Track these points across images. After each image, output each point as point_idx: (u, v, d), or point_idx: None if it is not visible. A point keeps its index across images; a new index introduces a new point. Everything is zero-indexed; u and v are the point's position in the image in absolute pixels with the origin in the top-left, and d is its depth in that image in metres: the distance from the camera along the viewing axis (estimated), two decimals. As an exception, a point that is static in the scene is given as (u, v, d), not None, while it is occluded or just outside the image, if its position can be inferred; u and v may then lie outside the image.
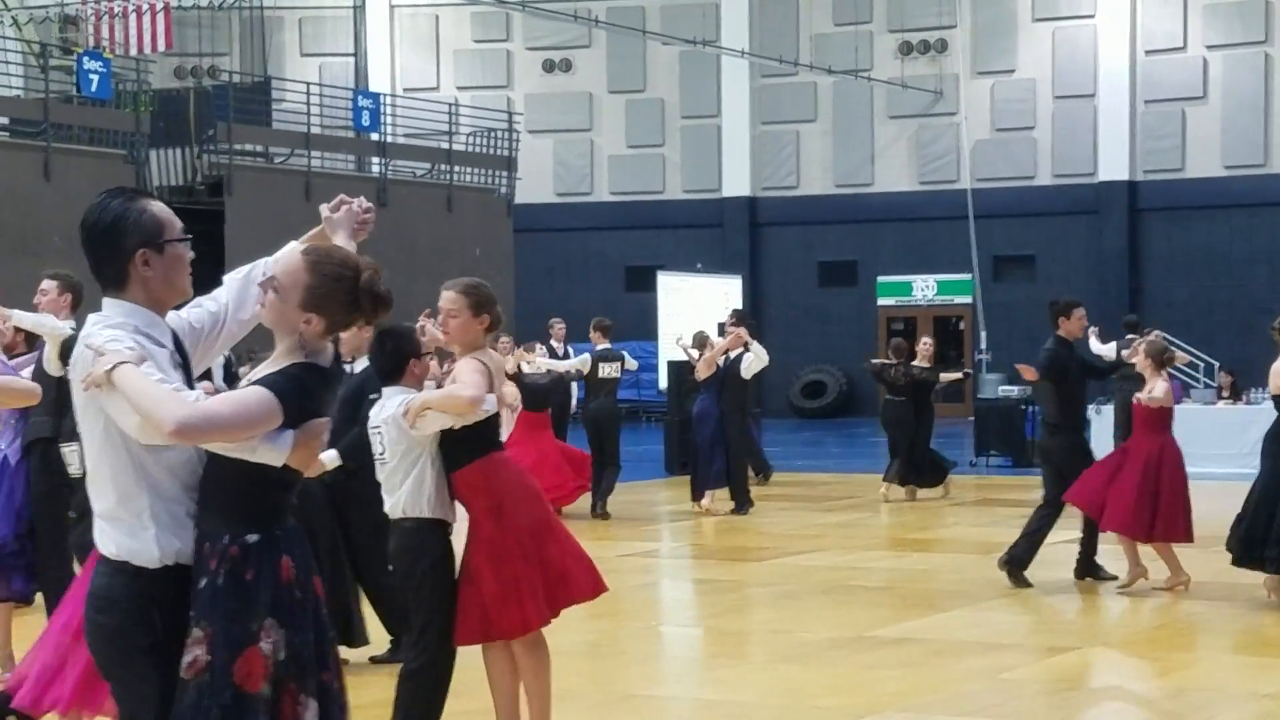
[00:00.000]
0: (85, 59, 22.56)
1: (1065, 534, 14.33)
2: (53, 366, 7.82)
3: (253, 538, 3.88)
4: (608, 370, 16.52)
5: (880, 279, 33.99)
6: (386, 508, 6.25)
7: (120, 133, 22.65)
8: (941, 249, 33.34)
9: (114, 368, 3.75)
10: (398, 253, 26.13)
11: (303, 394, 3.92)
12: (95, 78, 22.03)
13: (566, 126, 35.71)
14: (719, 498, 16.40)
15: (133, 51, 27.91)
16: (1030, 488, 19.18)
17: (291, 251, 4.13)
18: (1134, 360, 11.39)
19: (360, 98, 27.13)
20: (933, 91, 33.94)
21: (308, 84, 26.91)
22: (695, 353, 17.39)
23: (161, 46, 30.72)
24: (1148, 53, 32.94)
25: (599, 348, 16.60)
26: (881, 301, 34.22)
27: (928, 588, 11.65)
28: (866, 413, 33.91)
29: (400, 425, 6.09)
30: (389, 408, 6.22)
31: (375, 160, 27.71)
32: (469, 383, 6.13)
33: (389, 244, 26.26)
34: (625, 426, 18.28)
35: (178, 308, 4.18)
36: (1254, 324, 22.91)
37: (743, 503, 16.35)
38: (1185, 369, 28.39)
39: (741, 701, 8.43)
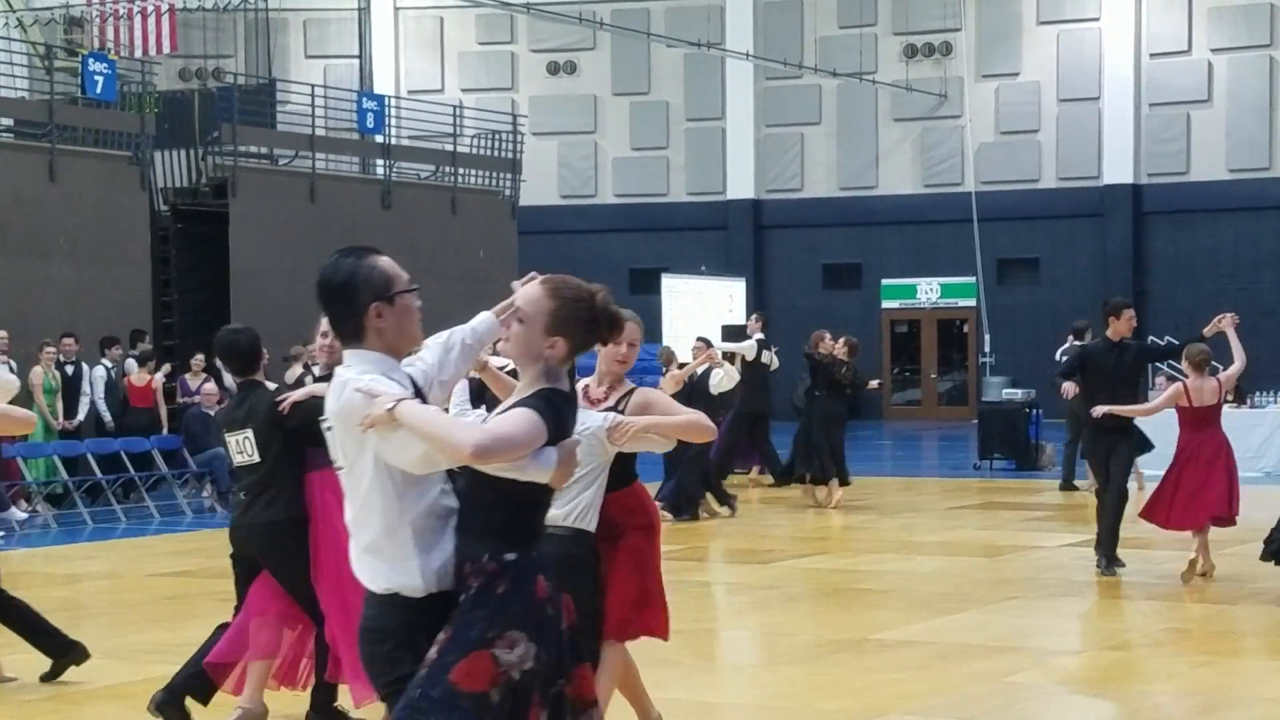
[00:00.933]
0: (90, 60, 22.56)
1: (1071, 538, 14.33)
2: None
3: (510, 556, 4.11)
4: None
5: (884, 282, 33.99)
6: (552, 514, 6.07)
7: (125, 134, 22.65)
8: (945, 252, 33.35)
9: (395, 405, 4.02)
10: (401, 255, 25.90)
11: (557, 415, 4.14)
12: (100, 79, 22.03)
13: (571, 129, 35.72)
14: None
15: (138, 53, 27.94)
16: (1034, 491, 19.21)
17: (526, 288, 4.35)
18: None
19: (365, 100, 27.12)
20: (937, 94, 33.94)
21: (312, 86, 26.89)
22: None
23: (166, 48, 30.76)
24: (1152, 56, 32.93)
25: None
26: (885, 304, 34.21)
27: (932, 591, 11.64)
28: (871, 415, 33.93)
29: (600, 440, 5.94)
30: (592, 421, 5.99)
31: (380, 162, 27.71)
32: (695, 413, 6.38)
33: (392, 246, 26.12)
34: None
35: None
36: (1259, 327, 22.91)
37: (681, 513, 15.95)
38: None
39: (744, 704, 8.43)
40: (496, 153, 28.98)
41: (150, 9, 32.41)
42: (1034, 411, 22.24)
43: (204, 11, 34.62)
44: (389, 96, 29.25)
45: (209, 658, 7.35)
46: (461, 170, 28.09)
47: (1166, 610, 11.00)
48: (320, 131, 26.01)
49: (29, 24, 28.33)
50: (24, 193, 21.00)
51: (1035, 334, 30.37)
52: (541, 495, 4.17)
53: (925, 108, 34.11)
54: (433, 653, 4.06)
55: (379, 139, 27.12)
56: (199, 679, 7.38)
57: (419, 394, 4.23)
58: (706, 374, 16.15)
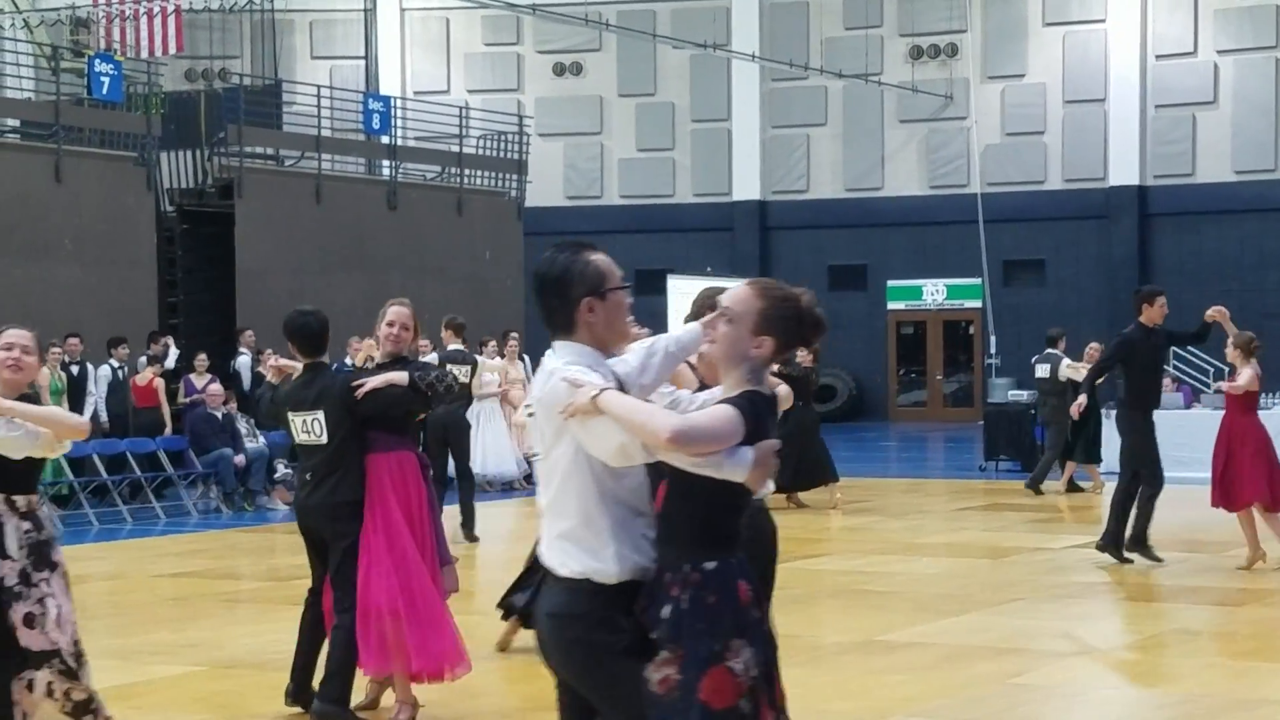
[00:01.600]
0: (96, 61, 22.58)
1: (1077, 539, 14.33)
2: None
3: (710, 564, 4.13)
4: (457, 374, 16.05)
5: (890, 283, 33.98)
6: None
7: (131, 135, 22.67)
8: (951, 253, 33.34)
9: (599, 394, 4.09)
10: (408, 255, 26.17)
11: (757, 417, 4.16)
12: (106, 80, 22.04)
13: (577, 130, 35.73)
14: None
15: (144, 54, 27.97)
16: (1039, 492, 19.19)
17: (734, 289, 4.38)
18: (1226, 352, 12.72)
19: (371, 101, 27.14)
20: (943, 96, 33.92)
21: (318, 87, 26.91)
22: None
23: (172, 49, 30.81)
24: (1158, 57, 32.90)
25: (450, 348, 14.96)
26: (891, 305, 34.20)
27: (937, 592, 11.63)
28: (876, 416, 33.92)
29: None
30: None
31: (385, 163, 27.72)
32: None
33: (399, 246, 26.29)
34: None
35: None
36: (1265, 329, 22.85)
37: None
38: (1195, 374, 28.36)
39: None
40: (502, 154, 28.99)
41: (156, 10, 32.46)
42: (1040, 413, 22.19)
43: (210, 12, 34.65)
44: (395, 97, 29.27)
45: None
46: (467, 171, 28.10)
47: (1172, 612, 11.00)
48: (326, 132, 26.03)
49: (35, 25, 28.36)
50: (30, 193, 21.03)
51: (1041, 335, 30.23)
52: (739, 499, 4.18)
53: (931, 109, 34.09)
54: (672, 673, 4.08)
55: (385, 140, 27.14)
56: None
57: (621, 389, 4.27)
58: None
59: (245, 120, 24.83)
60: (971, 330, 34.10)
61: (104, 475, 17.48)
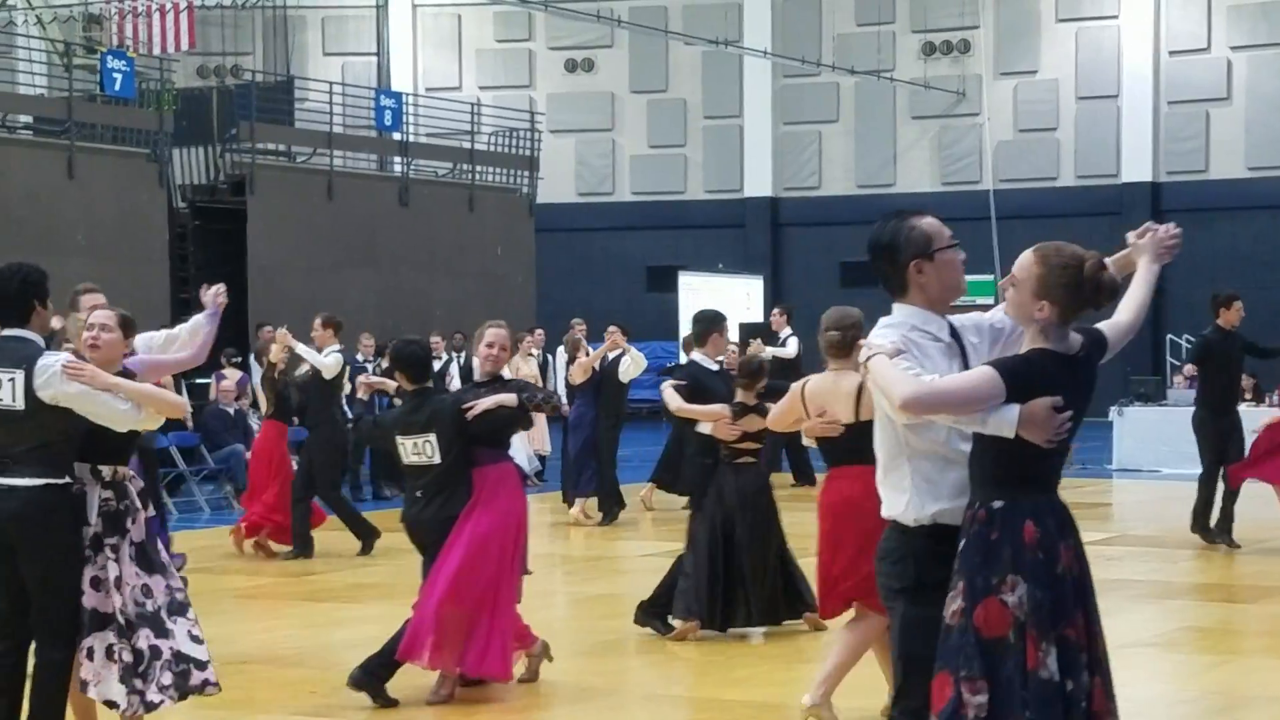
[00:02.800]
0: (109, 58, 22.61)
1: (1090, 535, 14.27)
2: None
3: (998, 504, 4.44)
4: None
5: (902, 280, 33.95)
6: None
7: (143, 131, 22.71)
8: (964, 250, 33.16)
9: (869, 358, 4.50)
10: (419, 252, 26.19)
11: (1031, 374, 4.43)
12: (119, 77, 22.07)
13: (588, 126, 35.72)
14: (589, 507, 15.67)
15: (156, 50, 28.00)
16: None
17: (1021, 255, 4.70)
18: None
19: (383, 97, 27.15)
20: (955, 92, 33.87)
21: (330, 83, 26.94)
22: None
23: (185, 45, 30.81)
24: (1171, 53, 32.84)
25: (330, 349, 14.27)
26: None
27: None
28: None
29: None
30: None
31: (397, 160, 27.74)
32: None
33: (411, 243, 26.32)
34: (645, 428, 18.18)
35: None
36: (1277, 326, 22.81)
37: (611, 511, 15.65)
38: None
39: (764, 702, 8.42)
40: (514, 150, 29.00)
41: (169, 6, 32.48)
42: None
43: (222, 9, 34.68)
44: (407, 94, 29.29)
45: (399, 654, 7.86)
46: (479, 168, 28.11)
47: (1182, 609, 10.98)
48: (338, 129, 26.06)
49: (48, 21, 28.40)
50: (42, 190, 21.08)
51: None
52: (1026, 447, 4.40)
53: (943, 105, 34.05)
54: (960, 604, 4.44)
55: (397, 136, 27.15)
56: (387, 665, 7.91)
57: (958, 340, 4.67)
58: (616, 361, 15.88)
59: (257, 117, 24.87)
60: (984, 327, 34.07)
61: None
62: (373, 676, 7.84)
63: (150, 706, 6.35)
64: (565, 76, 36.10)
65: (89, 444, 6.26)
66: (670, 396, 9.31)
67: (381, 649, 7.91)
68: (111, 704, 6.28)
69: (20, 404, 6.11)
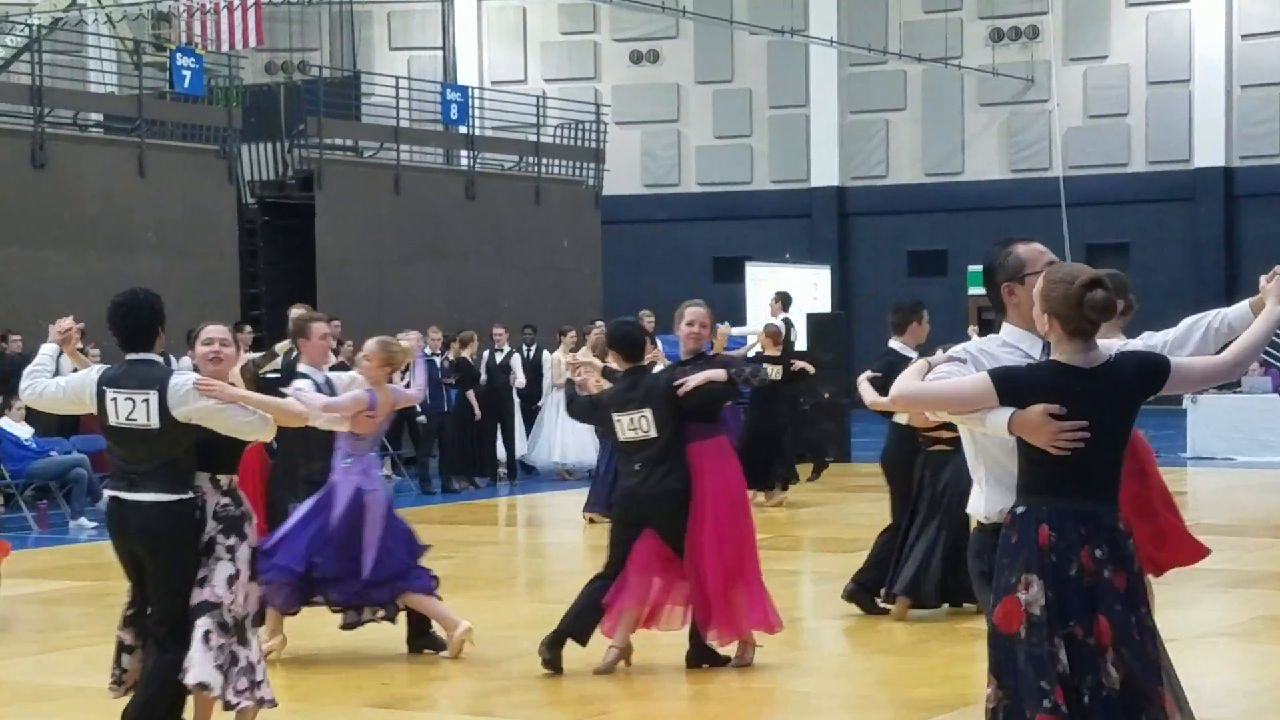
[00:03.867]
0: (178, 55, 22.81)
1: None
2: None
3: (1020, 508, 4.74)
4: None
5: (971, 268, 33.69)
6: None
7: (212, 128, 22.90)
8: (1033, 236, 32.97)
9: (929, 370, 4.87)
10: (486, 245, 26.28)
11: (1026, 383, 4.70)
12: (188, 74, 22.27)
13: (654, 118, 35.72)
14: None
15: (224, 47, 28.20)
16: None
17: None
18: None
19: (448, 91, 27.25)
20: (1024, 79, 33.63)
21: (396, 78, 27.07)
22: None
23: (253, 42, 31.00)
24: (1244, 36, 32.46)
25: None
26: (972, 291, 33.90)
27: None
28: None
29: None
30: None
31: (464, 153, 27.84)
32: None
33: (477, 236, 26.40)
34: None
35: None
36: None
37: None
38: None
39: (835, 694, 8.42)
40: (580, 142, 29.04)
41: (236, 3, 32.71)
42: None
43: (289, 5, 34.90)
44: (472, 87, 29.38)
45: (606, 597, 8.43)
46: (545, 160, 28.17)
47: (1258, 598, 10.87)
48: (404, 123, 26.19)
49: (118, 20, 28.67)
50: (114, 187, 21.30)
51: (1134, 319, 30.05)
52: (1046, 455, 4.66)
53: (1012, 92, 33.82)
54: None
55: (463, 130, 27.25)
56: (583, 622, 8.46)
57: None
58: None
59: (324, 112, 25.03)
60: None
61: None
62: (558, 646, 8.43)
63: (229, 706, 6.61)
64: (630, 68, 36.11)
65: (206, 454, 6.62)
66: (865, 390, 9.29)
67: (569, 625, 8.45)
68: (204, 687, 6.52)
69: (155, 423, 6.48)
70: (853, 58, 34.11)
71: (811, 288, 29.07)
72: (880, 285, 34.06)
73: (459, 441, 19.24)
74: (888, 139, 34.99)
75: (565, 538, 15.55)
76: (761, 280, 28.87)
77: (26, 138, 20.72)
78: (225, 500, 6.67)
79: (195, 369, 6.82)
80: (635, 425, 8.44)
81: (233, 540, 6.62)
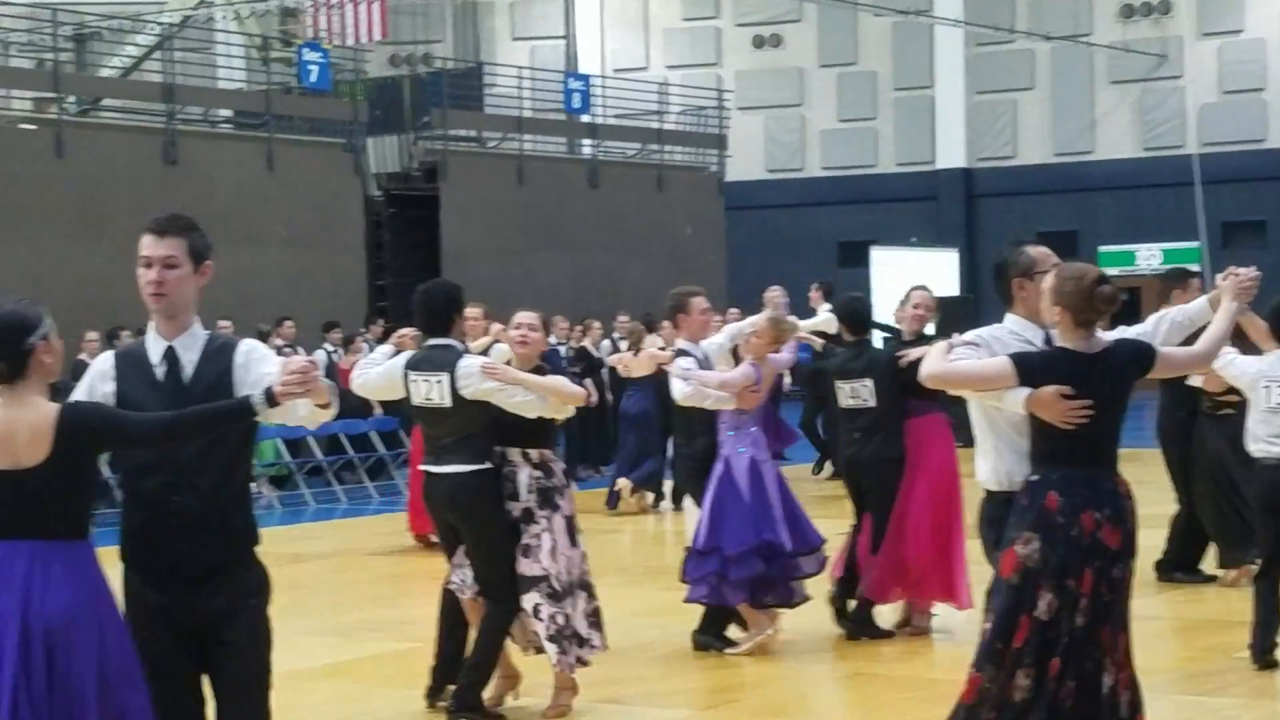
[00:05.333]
0: (305, 50, 23.10)
1: None
2: None
3: (1034, 477, 5.41)
4: None
5: (1101, 249, 33.17)
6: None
7: (339, 122, 23.18)
8: (1167, 217, 32.45)
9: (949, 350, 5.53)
10: (609, 233, 26.35)
11: (1040, 366, 5.37)
12: (315, 69, 22.55)
13: (777, 102, 35.56)
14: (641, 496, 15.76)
15: (349, 41, 28.52)
16: None
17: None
18: None
19: (571, 80, 27.35)
20: (1156, 55, 33.03)
21: (519, 68, 27.23)
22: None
23: (377, 35, 31.30)
24: (1385, 6, 31.62)
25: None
26: (1104, 272, 33.46)
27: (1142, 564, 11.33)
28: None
29: None
30: None
31: (586, 142, 27.93)
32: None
33: (600, 225, 26.48)
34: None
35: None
36: None
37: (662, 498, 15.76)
38: None
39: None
40: (702, 129, 29.01)
41: (361, -2, 33.00)
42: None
43: (413, -2, 35.21)
44: (595, 76, 29.45)
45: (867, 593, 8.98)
46: (667, 147, 28.18)
47: None
48: (527, 113, 26.33)
49: (245, 16, 29.11)
50: (243, 182, 21.63)
51: (1265, 297, 29.34)
52: (1055, 429, 5.30)
53: (1144, 69, 33.23)
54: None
55: (585, 119, 27.33)
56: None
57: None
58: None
59: (448, 103, 25.23)
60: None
61: (319, 456, 17.89)
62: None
63: (559, 668, 7.40)
64: (753, 53, 35.98)
65: (517, 431, 7.28)
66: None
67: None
68: (539, 651, 7.36)
69: (448, 401, 7.21)
70: (979, 37, 33.70)
71: (939, 272, 28.81)
72: (1009, 268, 33.65)
73: (582, 429, 19.31)
74: (1016, 119, 34.55)
75: (689, 525, 15.53)
76: (887, 264, 28.67)
77: (158, 135, 21.11)
78: (538, 473, 7.33)
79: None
80: (856, 394, 8.96)
81: (547, 511, 7.29)
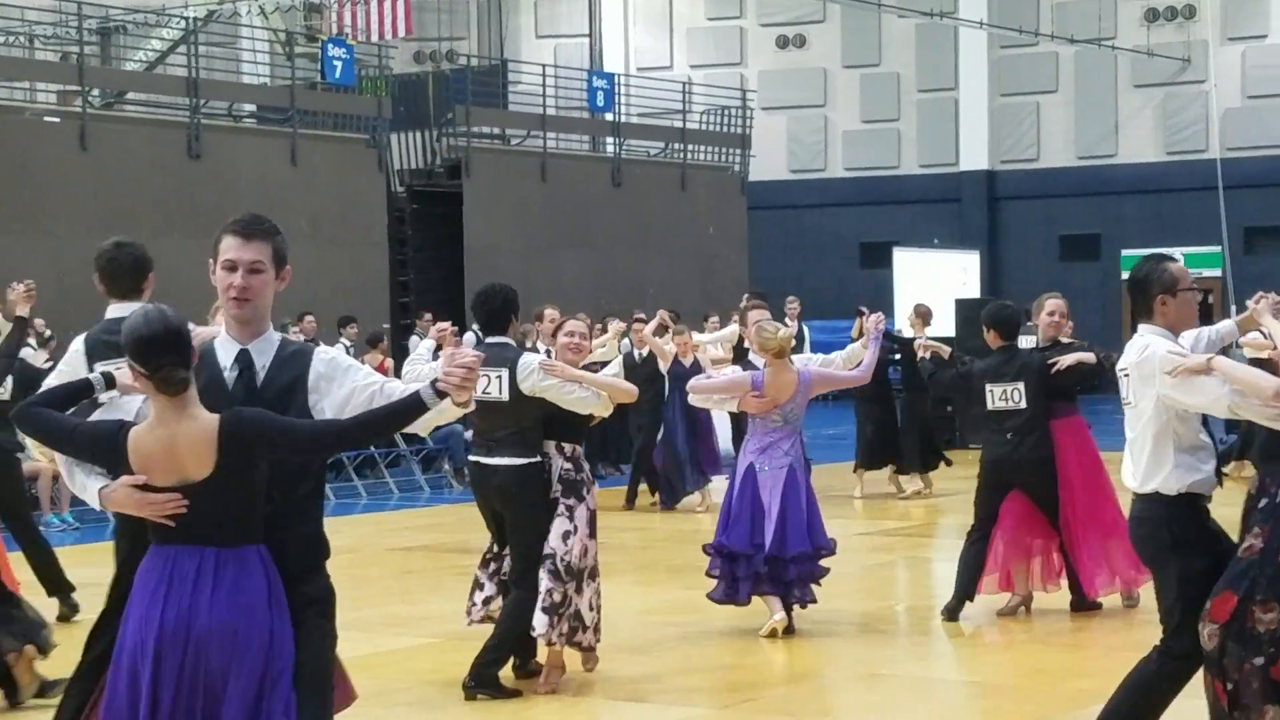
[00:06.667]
0: (329, 46, 23.12)
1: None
2: None
3: (1267, 477, 5.70)
4: None
5: (1124, 252, 33.06)
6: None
7: (363, 118, 23.19)
8: (1189, 221, 32.34)
9: (1210, 360, 5.62)
10: (632, 232, 26.34)
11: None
12: (339, 64, 22.57)
13: (800, 103, 35.53)
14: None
15: (374, 37, 28.57)
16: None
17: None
18: None
19: (595, 78, 27.33)
20: (1180, 59, 32.92)
21: (543, 65, 27.21)
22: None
23: (401, 32, 31.36)
24: None
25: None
26: (1125, 275, 33.35)
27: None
28: (1112, 390, 33.09)
29: None
30: None
31: (610, 140, 27.92)
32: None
33: (624, 223, 26.47)
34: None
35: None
36: None
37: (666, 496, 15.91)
38: None
39: (989, 683, 8.32)
40: (726, 128, 28.98)
41: (386, -6, 33.02)
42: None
43: (437, -5, 35.24)
44: (618, 74, 29.44)
45: (988, 556, 9.62)
46: (691, 146, 28.16)
47: None
48: (551, 111, 26.31)
49: (270, 12, 29.15)
50: (268, 176, 21.66)
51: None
52: None
53: (1167, 73, 33.12)
54: (1256, 544, 5.61)
55: (609, 117, 27.32)
56: (972, 578, 9.60)
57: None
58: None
59: (472, 101, 25.23)
60: (1211, 299, 33.05)
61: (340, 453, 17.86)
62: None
63: (550, 644, 7.71)
64: (777, 53, 35.95)
65: (554, 425, 7.67)
66: None
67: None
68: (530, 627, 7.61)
69: (506, 396, 7.59)
70: (1003, 39, 33.63)
71: (960, 273, 28.76)
72: (1031, 270, 33.57)
73: (601, 428, 19.29)
74: (1039, 121, 34.47)
75: (706, 524, 15.51)
76: (909, 265, 28.62)
77: (183, 129, 21.15)
78: (568, 465, 7.73)
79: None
80: (1007, 396, 9.52)
81: (571, 500, 7.68)
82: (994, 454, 9.65)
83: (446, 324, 7.96)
